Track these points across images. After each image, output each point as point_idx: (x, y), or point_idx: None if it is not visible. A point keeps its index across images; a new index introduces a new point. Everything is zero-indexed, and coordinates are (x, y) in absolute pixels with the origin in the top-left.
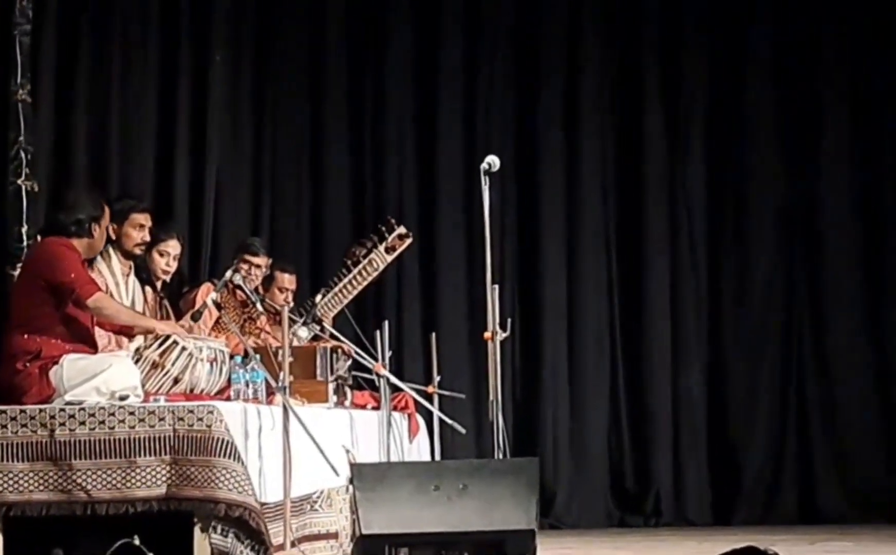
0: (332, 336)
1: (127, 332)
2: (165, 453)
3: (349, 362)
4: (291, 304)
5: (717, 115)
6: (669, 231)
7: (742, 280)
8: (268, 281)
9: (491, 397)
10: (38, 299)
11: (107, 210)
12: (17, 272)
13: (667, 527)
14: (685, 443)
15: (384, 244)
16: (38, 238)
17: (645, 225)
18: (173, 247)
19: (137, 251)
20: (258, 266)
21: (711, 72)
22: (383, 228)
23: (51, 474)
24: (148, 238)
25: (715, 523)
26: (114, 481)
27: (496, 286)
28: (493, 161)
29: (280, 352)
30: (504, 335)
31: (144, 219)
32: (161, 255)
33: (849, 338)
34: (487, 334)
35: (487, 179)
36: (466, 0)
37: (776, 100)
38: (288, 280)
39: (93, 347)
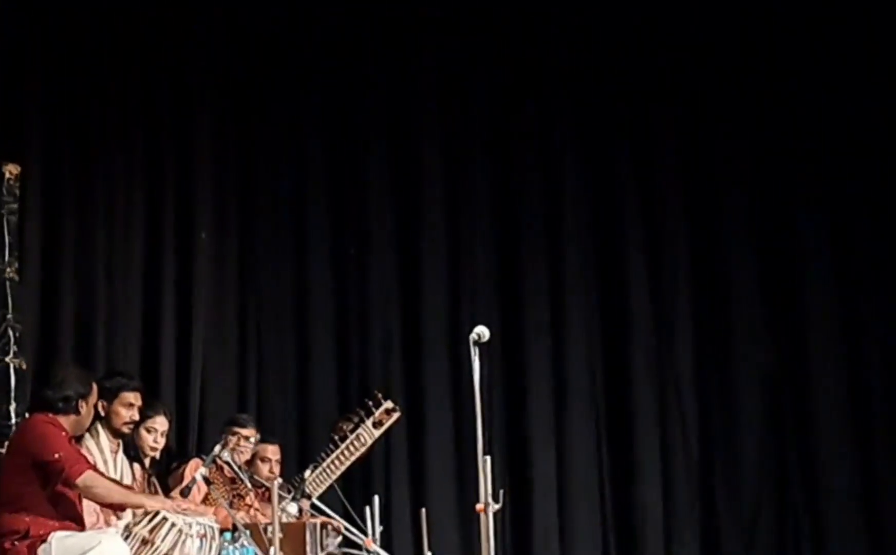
0: (321, 512)
1: (117, 507)
2: None
3: (339, 539)
4: (277, 476)
5: (701, 284)
6: (658, 401)
7: (733, 449)
8: (252, 456)
9: None
10: (25, 478)
11: (94, 387)
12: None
13: None
14: None
15: (371, 419)
16: (27, 416)
17: (633, 395)
18: (161, 423)
19: (126, 430)
20: (247, 438)
21: (694, 244)
22: (370, 403)
23: None
24: (137, 417)
25: None
26: None
27: (488, 458)
28: (482, 332)
29: (269, 528)
30: (497, 507)
31: (134, 397)
32: (149, 431)
33: (844, 503)
34: (480, 506)
35: (477, 349)
36: (447, 171)
37: (759, 272)
38: (271, 451)
39: (80, 525)
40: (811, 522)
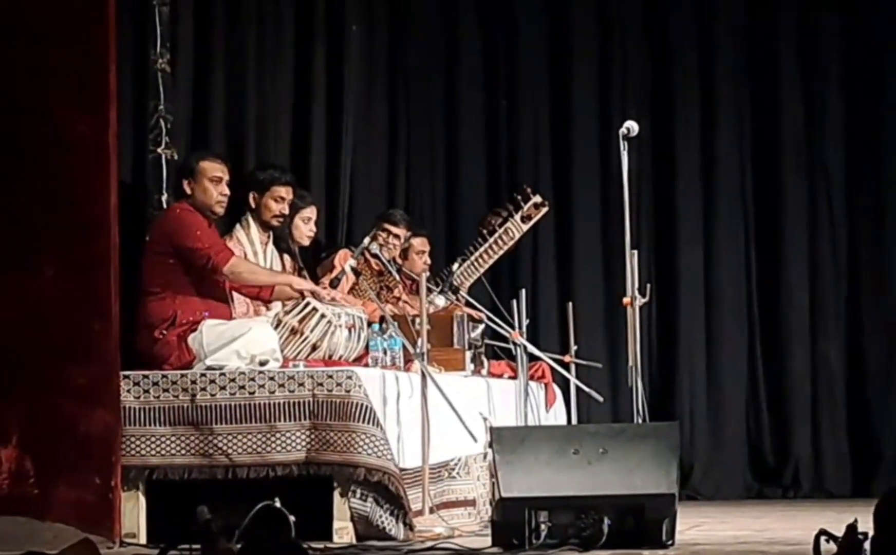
0: (469, 304)
1: (265, 298)
2: (305, 419)
3: (482, 327)
4: (428, 266)
5: (854, 85)
6: (808, 200)
7: (881, 248)
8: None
9: (630, 363)
10: (169, 265)
11: (199, 167)
12: None
13: (806, 499)
14: (824, 414)
15: (520, 213)
16: None
17: (782, 194)
18: (313, 213)
19: (275, 223)
20: (397, 236)
21: (848, 41)
22: (519, 197)
23: (192, 438)
24: (287, 211)
25: (854, 494)
26: (254, 446)
27: (635, 251)
28: (631, 126)
29: (417, 320)
30: (643, 301)
31: (286, 192)
32: (304, 221)
33: None
34: (627, 300)
35: (626, 144)
36: None
37: None
38: (419, 243)
39: (226, 306)
40: None
